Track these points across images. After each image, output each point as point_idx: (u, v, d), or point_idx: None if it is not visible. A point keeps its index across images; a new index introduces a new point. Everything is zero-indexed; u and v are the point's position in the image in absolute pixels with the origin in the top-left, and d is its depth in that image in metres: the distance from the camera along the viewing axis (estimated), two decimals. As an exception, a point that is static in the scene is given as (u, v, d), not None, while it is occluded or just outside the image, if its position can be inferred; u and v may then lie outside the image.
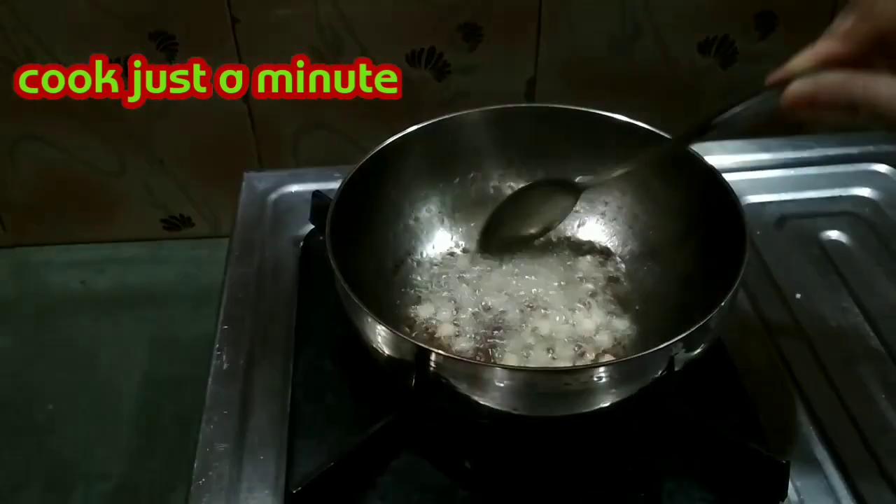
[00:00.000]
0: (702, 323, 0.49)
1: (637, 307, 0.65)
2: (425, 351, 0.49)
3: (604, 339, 0.61)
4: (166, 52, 1.02)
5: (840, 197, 0.82)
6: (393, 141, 0.65)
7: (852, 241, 0.77)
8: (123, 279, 1.14)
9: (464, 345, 0.61)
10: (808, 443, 0.59)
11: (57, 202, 1.15)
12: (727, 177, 0.61)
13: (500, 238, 0.68)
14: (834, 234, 0.78)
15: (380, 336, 0.52)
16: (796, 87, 0.46)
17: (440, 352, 0.49)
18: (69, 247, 1.17)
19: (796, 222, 0.79)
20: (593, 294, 0.66)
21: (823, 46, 0.47)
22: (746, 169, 0.84)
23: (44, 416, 0.99)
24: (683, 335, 0.48)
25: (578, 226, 0.71)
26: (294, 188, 0.84)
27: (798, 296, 0.71)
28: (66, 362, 1.04)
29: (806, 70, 0.46)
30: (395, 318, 0.64)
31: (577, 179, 0.64)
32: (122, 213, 1.17)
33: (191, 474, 0.57)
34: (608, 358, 0.60)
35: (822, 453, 0.59)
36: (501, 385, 0.49)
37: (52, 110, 1.05)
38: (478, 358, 0.60)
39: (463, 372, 0.49)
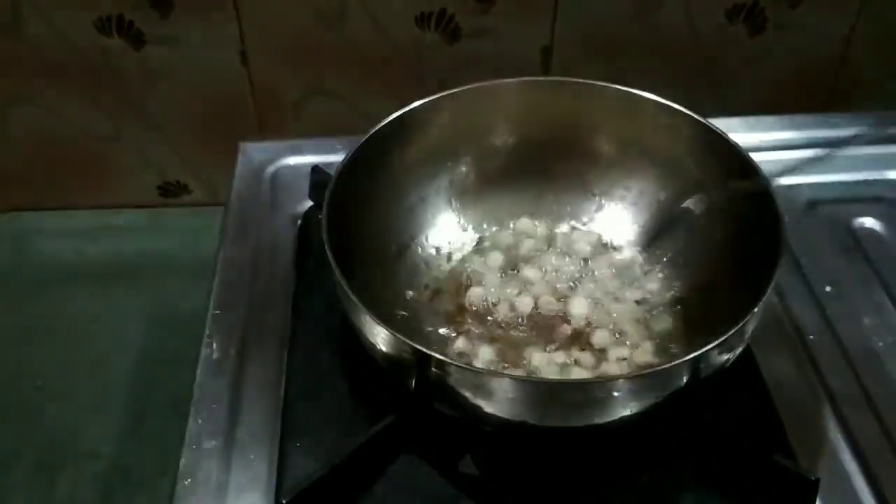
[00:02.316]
0: (729, 334, 0.44)
1: (659, 300, 0.60)
2: (426, 356, 0.45)
3: (627, 336, 0.57)
4: (160, 10, 0.96)
5: (874, 181, 0.77)
6: (398, 116, 0.60)
7: (886, 229, 0.72)
8: (118, 248, 1.11)
9: (466, 343, 0.57)
10: (836, 454, 0.56)
11: (49, 167, 1.11)
12: (753, 156, 0.56)
13: None
14: (867, 222, 0.73)
15: (378, 336, 0.48)
16: None
17: (443, 358, 0.45)
18: (62, 213, 1.13)
19: (827, 207, 0.74)
20: (615, 290, 0.61)
21: None
22: (774, 148, 0.78)
23: (33, 392, 0.96)
24: (708, 347, 0.44)
25: (596, 211, 0.66)
26: (293, 161, 0.79)
27: (828, 288, 0.67)
28: (57, 336, 1.01)
29: None
30: (398, 310, 0.60)
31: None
32: (116, 179, 1.13)
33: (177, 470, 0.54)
34: (627, 359, 0.56)
35: (851, 465, 0.55)
36: (509, 396, 0.45)
37: (44, 73, 1.01)
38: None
39: (467, 381, 0.45)
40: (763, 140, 0.78)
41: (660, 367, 0.43)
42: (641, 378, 0.44)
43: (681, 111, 0.60)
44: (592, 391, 0.44)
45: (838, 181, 0.76)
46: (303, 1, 0.97)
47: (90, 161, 1.11)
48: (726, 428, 0.52)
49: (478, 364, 0.55)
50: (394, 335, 0.46)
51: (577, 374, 0.54)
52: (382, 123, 0.59)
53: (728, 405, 0.55)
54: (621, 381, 0.45)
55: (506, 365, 0.56)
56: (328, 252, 0.48)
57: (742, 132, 0.79)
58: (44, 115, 1.06)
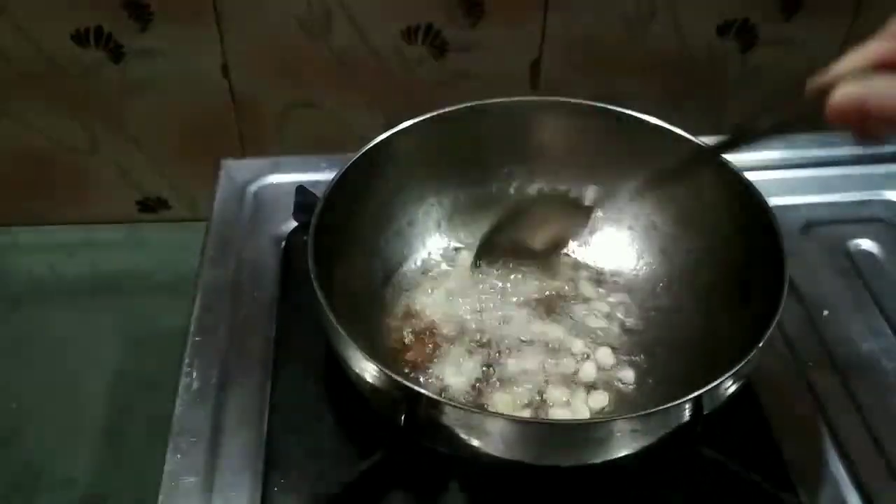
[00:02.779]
0: (731, 372, 0.43)
1: (653, 333, 0.58)
2: (417, 394, 0.43)
3: (614, 374, 0.55)
4: (139, 22, 0.94)
5: (870, 201, 0.76)
6: (386, 137, 0.58)
7: (882, 251, 0.71)
8: (95, 265, 1.08)
9: (457, 379, 0.55)
10: (837, 485, 0.54)
11: (25, 182, 1.08)
12: (748, 175, 0.55)
13: (500, 249, 0.61)
14: (863, 243, 0.72)
15: (366, 371, 0.46)
16: (842, 92, 0.39)
17: (435, 396, 0.43)
18: (38, 228, 1.10)
19: (823, 228, 0.73)
20: (607, 316, 0.59)
21: (875, 47, 0.40)
22: (769, 168, 0.77)
23: (6, 415, 0.92)
24: (710, 387, 0.42)
25: (590, 233, 0.64)
26: (276, 179, 0.77)
27: (825, 313, 0.65)
28: (31, 356, 0.98)
29: (853, 73, 0.40)
30: (384, 338, 0.58)
31: (588, 199, 0.58)
32: (94, 193, 1.09)
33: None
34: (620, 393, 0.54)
35: (852, 495, 0.54)
36: (503, 436, 0.43)
37: (20, 85, 0.98)
38: (476, 387, 0.54)
39: (460, 420, 0.43)
40: (758, 159, 0.77)
41: (663, 407, 0.41)
42: (644, 418, 0.42)
43: (674, 131, 0.58)
44: (593, 431, 0.42)
45: (834, 202, 0.75)
46: (286, 12, 0.95)
47: (67, 175, 1.08)
48: (728, 462, 0.50)
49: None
50: (382, 371, 0.44)
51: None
52: (370, 145, 0.57)
53: (727, 437, 0.53)
54: (622, 421, 0.43)
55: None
56: (315, 285, 0.46)
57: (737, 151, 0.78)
58: (20, 129, 1.02)
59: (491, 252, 0.61)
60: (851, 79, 0.39)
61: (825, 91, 0.40)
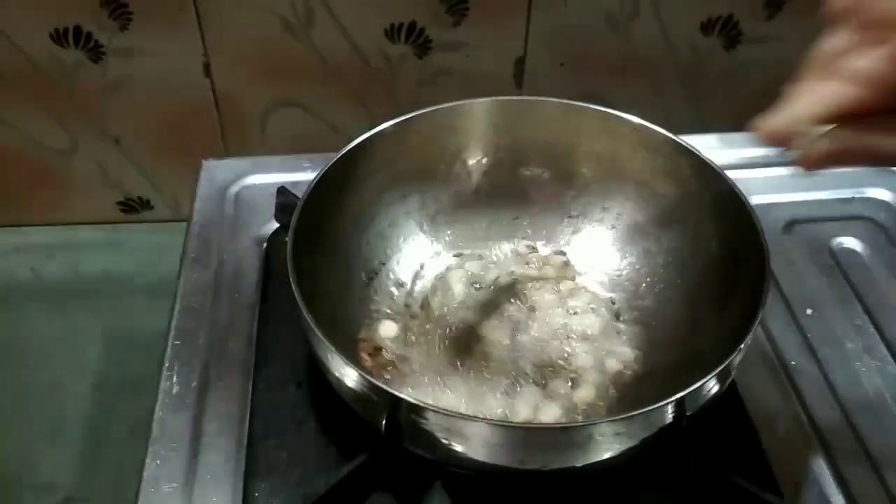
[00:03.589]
0: (714, 372, 0.42)
1: (637, 330, 0.58)
2: (398, 399, 0.43)
3: (605, 368, 0.55)
4: (119, 20, 0.93)
5: (853, 199, 0.75)
6: (368, 137, 0.57)
7: (866, 249, 0.71)
8: (76, 266, 1.06)
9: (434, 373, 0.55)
10: (821, 485, 0.54)
11: (4, 182, 1.07)
12: (730, 174, 0.54)
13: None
14: (847, 241, 0.72)
15: (347, 377, 0.45)
16: (816, 152, 0.36)
17: (416, 402, 0.42)
18: (17, 229, 1.08)
19: (806, 227, 0.73)
20: (590, 315, 0.59)
21: (837, 94, 0.35)
22: (751, 166, 0.77)
23: (-13, 418, 0.92)
24: (692, 388, 0.42)
25: (573, 233, 0.64)
26: (258, 179, 0.76)
27: (809, 311, 0.65)
28: (10, 359, 0.96)
29: (811, 125, 0.36)
30: (365, 339, 0.57)
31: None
32: (74, 194, 1.08)
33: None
34: (608, 391, 0.54)
35: (836, 496, 0.54)
36: (487, 440, 0.42)
37: (-6, 82, 0.96)
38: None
39: (442, 425, 0.42)
40: (741, 157, 0.77)
41: (645, 410, 0.41)
42: (626, 420, 0.41)
43: (657, 131, 0.58)
44: (576, 435, 0.42)
45: (817, 199, 0.75)
46: (268, 10, 0.94)
47: (47, 176, 1.06)
48: (710, 464, 0.50)
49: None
50: (362, 376, 0.44)
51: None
52: (351, 145, 0.57)
53: (710, 438, 0.52)
54: (604, 424, 0.42)
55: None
56: (294, 288, 0.46)
57: (719, 149, 0.78)
58: (-2, 129, 1.02)
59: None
60: (824, 134, 0.36)
61: (787, 138, 0.36)
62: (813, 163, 0.37)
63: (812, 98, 0.36)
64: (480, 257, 0.64)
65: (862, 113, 0.35)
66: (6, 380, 0.96)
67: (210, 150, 0.80)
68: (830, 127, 0.36)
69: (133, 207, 1.11)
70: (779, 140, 0.36)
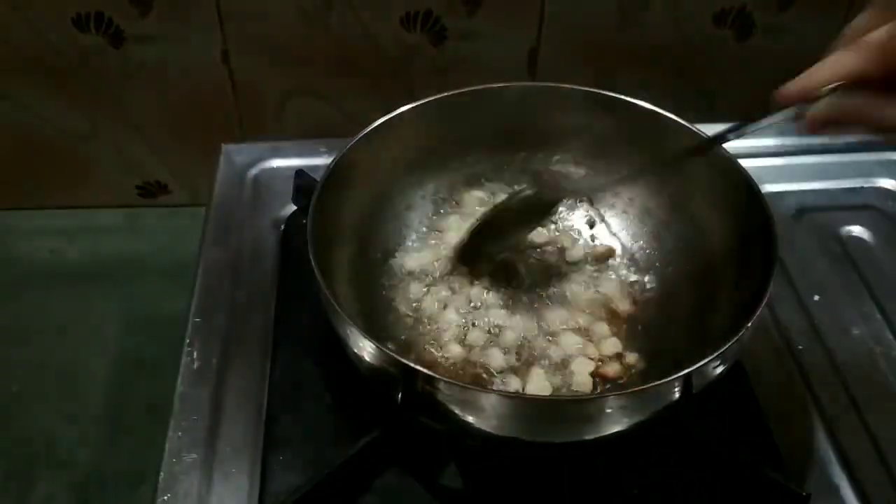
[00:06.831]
0: (721, 350, 0.44)
1: (647, 315, 0.59)
2: (414, 371, 0.44)
3: (610, 351, 0.56)
4: (139, 7, 0.94)
5: (862, 188, 0.76)
6: (384, 121, 0.59)
7: (874, 237, 0.72)
8: (95, 249, 1.08)
9: (456, 350, 0.56)
10: (825, 466, 0.55)
11: (26, 166, 1.09)
12: (742, 162, 0.55)
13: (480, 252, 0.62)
14: (855, 230, 0.73)
15: (364, 350, 0.47)
16: (818, 114, 0.40)
17: (430, 373, 0.43)
18: (39, 212, 1.10)
19: (815, 215, 0.74)
20: (602, 297, 0.60)
21: (845, 62, 0.39)
22: (763, 155, 0.78)
23: (8, 398, 0.93)
24: (699, 364, 0.43)
25: (585, 219, 0.65)
26: (276, 163, 0.77)
27: (816, 297, 0.66)
28: (33, 339, 0.98)
29: (824, 90, 0.40)
30: (381, 318, 0.58)
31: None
32: (94, 178, 1.10)
33: (156, 485, 0.52)
34: (614, 367, 0.55)
35: (840, 477, 0.55)
36: (500, 412, 0.43)
37: (20, 71, 0.98)
38: (476, 364, 0.54)
39: (456, 397, 0.44)
40: (753, 146, 0.78)
41: (653, 384, 0.42)
42: (635, 395, 0.43)
43: (670, 118, 0.59)
44: (586, 408, 0.43)
45: (826, 188, 0.76)
46: (286, -1, 0.96)
47: (67, 160, 1.08)
48: (717, 441, 0.51)
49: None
50: (380, 348, 0.45)
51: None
52: (369, 129, 0.58)
53: (718, 417, 0.54)
54: (613, 397, 0.44)
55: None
56: (314, 265, 0.47)
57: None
58: (20, 113, 1.03)
59: (473, 261, 0.62)
60: (827, 98, 0.39)
61: (799, 99, 0.41)
62: (816, 125, 0.40)
63: (827, 66, 0.40)
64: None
65: (867, 81, 0.38)
66: (26, 360, 0.97)
67: (227, 137, 0.81)
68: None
69: (151, 192, 1.13)
70: (794, 100, 0.41)
